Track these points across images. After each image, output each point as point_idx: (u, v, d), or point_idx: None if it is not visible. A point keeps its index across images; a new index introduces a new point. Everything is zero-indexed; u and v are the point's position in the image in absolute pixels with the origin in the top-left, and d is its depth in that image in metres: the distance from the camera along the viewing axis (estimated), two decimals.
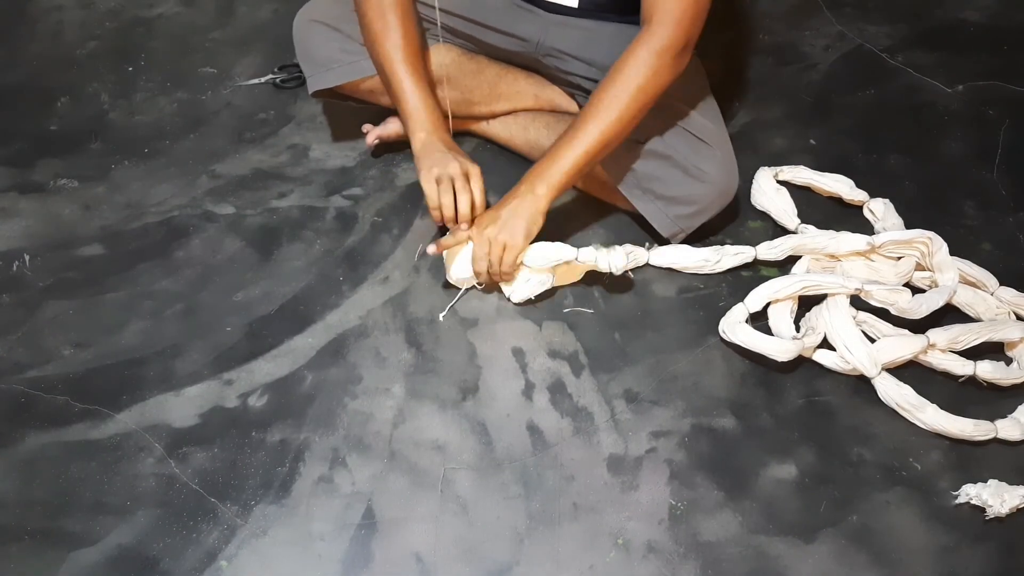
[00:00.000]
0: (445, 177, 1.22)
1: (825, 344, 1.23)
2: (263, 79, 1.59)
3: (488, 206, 1.25)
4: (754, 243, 1.37)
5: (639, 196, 1.30)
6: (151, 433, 1.16)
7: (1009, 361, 1.24)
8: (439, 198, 1.22)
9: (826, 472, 1.15)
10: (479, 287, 1.29)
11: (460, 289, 1.29)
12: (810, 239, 1.31)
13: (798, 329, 1.24)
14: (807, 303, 1.27)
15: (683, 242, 1.32)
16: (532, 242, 1.23)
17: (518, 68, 1.42)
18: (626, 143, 1.28)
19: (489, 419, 1.18)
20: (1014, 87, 1.65)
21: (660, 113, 1.25)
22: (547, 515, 1.10)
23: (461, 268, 1.26)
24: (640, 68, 1.15)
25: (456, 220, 1.23)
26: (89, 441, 1.15)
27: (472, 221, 1.24)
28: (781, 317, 1.24)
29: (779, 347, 1.19)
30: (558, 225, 1.32)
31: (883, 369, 1.19)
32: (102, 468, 1.13)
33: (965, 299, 1.28)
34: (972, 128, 1.58)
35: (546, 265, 1.25)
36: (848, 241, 1.29)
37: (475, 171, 1.24)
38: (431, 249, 1.24)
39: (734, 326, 1.22)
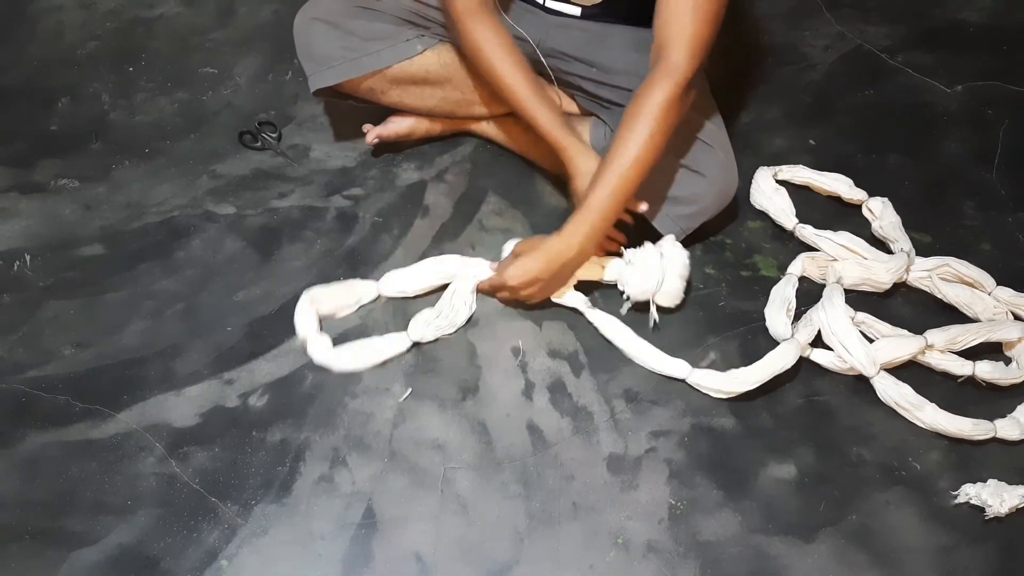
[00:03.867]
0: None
1: (824, 344, 1.23)
2: (259, 145, 1.52)
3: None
4: (753, 243, 1.37)
5: (640, 195, 1.30)
6: (152, 433, 1.16)
7: (1008, 361, 1.24)
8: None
9: (825, 472, 1.15)
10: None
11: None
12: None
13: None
14: (806, 302, 1.27)
15: (683, 241, 1.32)
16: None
17: None
18: None
19: (489, 419, 1.18)
20: (1014, 87, 1.65)
21: None
22: (547, 514, 1.10)
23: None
24: (662, 104, 1.14)
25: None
26: (90, 441, 1.16)
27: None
28: (777, 315, 1.25)
29: (780, 360, 1.19)
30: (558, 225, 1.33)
31: (882, 369, 1.19)
32: (102, 468, 1.13)
33: (963, 299, 1.29)
34: (971, 128, 1.58)
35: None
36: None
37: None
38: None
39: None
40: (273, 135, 1.52)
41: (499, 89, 1.26)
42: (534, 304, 1.27)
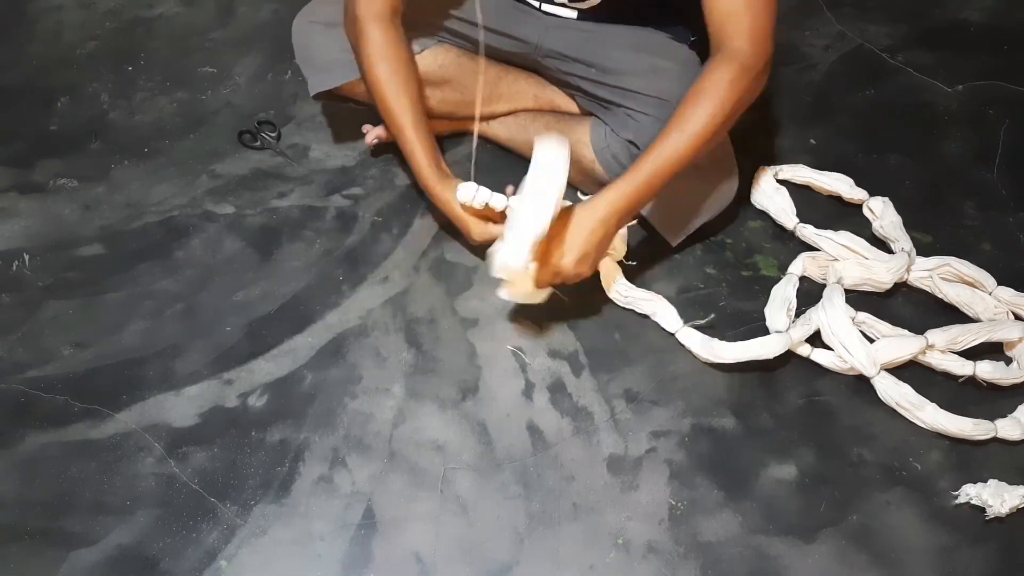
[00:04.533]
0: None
1: (824, 344, 1.23)
2: (263, 145, 1.52)
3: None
4: (754, 243, 1.37)
5: None
6: (151, 433, 1.16)
7: (1009, 361, 1.24)
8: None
9: (826, 472, 1.15)
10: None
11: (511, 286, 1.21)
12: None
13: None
14: (806, 302, 1.27)
15: (684, 241, 1.32)
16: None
17: (518, 68, 1.42)
18: (621, 145, 1.28)
19: (489, 419, 1.18)
20: (1014, 87, 1.65)
21: (660, 114, 1.25)
22: (547, 515, 1.10)
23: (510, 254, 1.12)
24: (724, 85, 1.10)
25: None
26: (89, 441, 1.15)
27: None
28: (778, 315, 1.24)
29: (762, 347, 1.20)
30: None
31: (882, 369, 1.19)
32: (102, 468, 1.13)
33: (963, 299, 1.29)
34: (972, 128, 1.58)
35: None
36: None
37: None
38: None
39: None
40: (272, 134, 1.52)
41: (381, 109, 1.26)
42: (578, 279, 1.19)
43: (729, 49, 1.11)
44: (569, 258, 1.14)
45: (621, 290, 1.28)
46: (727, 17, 1.10)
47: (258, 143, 1.52)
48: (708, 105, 1.11)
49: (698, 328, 1.25)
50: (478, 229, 1.23)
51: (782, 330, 1.22)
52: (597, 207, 1.14)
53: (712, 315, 1.27)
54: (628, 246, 1.31)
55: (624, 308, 1.28)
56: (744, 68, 1.10)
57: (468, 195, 1.19)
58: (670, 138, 1.12)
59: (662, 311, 1.26)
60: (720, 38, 1.12)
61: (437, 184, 1.24)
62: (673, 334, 1.25)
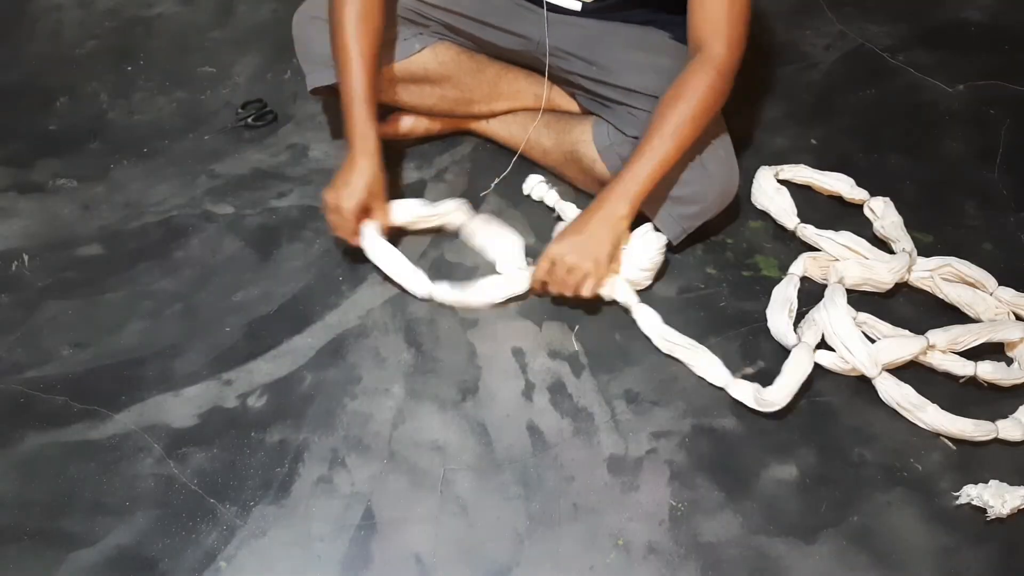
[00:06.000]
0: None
1: (826, 344, 1.23)
2: (231, 125, 1.55)
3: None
4: (754, 243, 1.37)
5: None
6: (150, 433, 1.16)
7: (1010, 361, 1.24)
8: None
9: (827, 473, 1.14)
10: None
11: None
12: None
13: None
14: (807, 302, 1.27)
15: (683, 241, 1.32)
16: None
17: (518, 67, 1.42)
18: (629, 143, 1.27)
19: (489, 419, 1.18)
20: (1015, 87, 1.65)
21: None
22: (547, 516, 1.10)
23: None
24: (704, 87, 1.18)
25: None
26: (88, 441, 1.15)
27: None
28: (779, 318, 1.24)
29: (800, 368, 1.17)
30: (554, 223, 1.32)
31: (883, 369, 1.19)
32: (101, 468, 1.13)
33: (964, 299, 1.28)
34: (973, 128, 1.58)
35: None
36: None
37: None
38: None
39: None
40: (251, 113, 1.55)
41: (338, 69, 1.27)
42: (586, 296, 1.23)
43: (708, 54, 1.19)
44: (561, 251, 1.20)
45: (666, 335, 1.24)
46: (709, 24, 1.19)
47: (242, 123, 1.53)
48: (686, 108, 1.18)
49: (746, 378, 1.21)
50: (347, 202, 1.24)
51: (787, 335, 1.21)
52: (593, 214, 1.20)
53: (760, 362, 1.24)
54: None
55: (628, 315, 1.27)
56: (720, 73, 1.19)
57: (530, 185, 1.35)
58: (654, 140, 1.18)
59: (707, 363, 1.22)
60: (698, 40, 1.21)
61: (362, 121, 1.26)
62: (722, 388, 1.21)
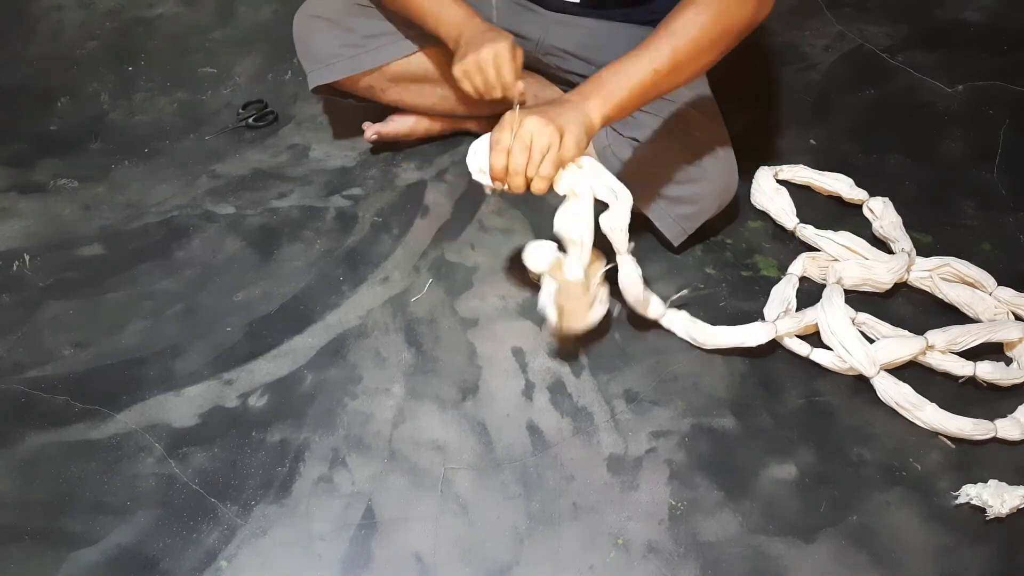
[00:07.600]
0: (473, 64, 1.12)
1: (824, 344, 1.23)
2: (232, 125, 1.55)
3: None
4: (754, 243, 1.37)
5: (641, 196, 1.30)
6: (151, 433, 1.16)
7: (1009, 361, 1.24)
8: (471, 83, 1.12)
9: (826, 472, 1.15)
10: (493, 192, 1.10)
11: (486, 188, 1.10)
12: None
13: None
14: (806, 302, 1.27)
15: (684, 242, 1.32)
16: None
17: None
18: (627, 143, 1.28)
19: (489, 419, 1.18)
20: (1014, 87, 1.65)
21: (660, 113, 1.25)
22: (547, 515, 1.10)
23: (478, 156, 1.06)
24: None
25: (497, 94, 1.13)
26: (89, 441, 1.15)
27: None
28: (775, 308, 1.25)
29: (744, 334, 1.21)
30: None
31: (882, 369, 1.19)
32: (102, 468, 1.13)
33: (963, 299, 1.29)
34: (972, 128, 1.58)
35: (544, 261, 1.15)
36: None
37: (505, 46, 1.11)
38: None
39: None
40: (252, 114, 1.55)
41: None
42: (541, 188, 1.03)
43: None
44: (536, 118, 0.99)
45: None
46: None
47: (243, 123, 1.54)
48: (696, 17, 1.00)
49: (678, 306, 1.24)
50: (503, 43, 1.09)
51: (769, 320, 1.22)
52: (560, 99, 1.04)
53: (684, 290, 1.26)
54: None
55: (624, 313, 1.27)
56: None
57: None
58: (651, 46, 1.01)
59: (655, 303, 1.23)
60: None
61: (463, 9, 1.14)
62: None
